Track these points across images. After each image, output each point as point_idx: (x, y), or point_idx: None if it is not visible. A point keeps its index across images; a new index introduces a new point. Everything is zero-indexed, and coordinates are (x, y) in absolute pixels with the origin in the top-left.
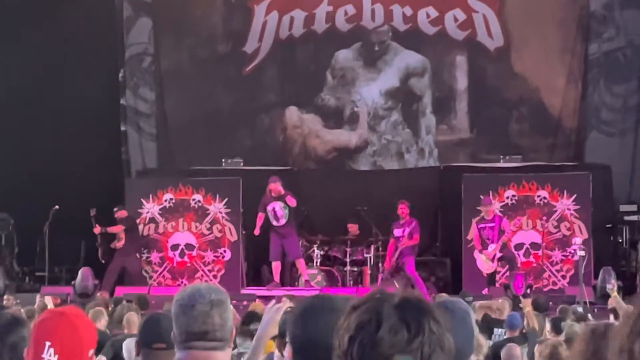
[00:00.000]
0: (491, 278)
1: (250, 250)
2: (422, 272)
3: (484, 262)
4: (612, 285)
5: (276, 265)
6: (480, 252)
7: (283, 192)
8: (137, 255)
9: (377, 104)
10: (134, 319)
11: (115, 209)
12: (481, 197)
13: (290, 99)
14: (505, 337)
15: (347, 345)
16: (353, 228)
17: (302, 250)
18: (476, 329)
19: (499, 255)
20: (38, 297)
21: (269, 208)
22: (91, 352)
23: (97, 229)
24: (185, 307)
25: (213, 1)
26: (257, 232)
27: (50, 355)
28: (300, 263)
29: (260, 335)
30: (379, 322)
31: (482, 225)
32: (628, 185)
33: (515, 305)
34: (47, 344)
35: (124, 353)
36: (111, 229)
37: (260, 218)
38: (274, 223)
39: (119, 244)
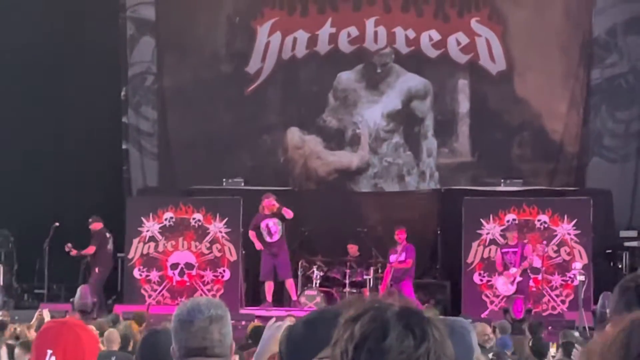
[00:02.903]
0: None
1: (250, 270)
2: (422, 295)
3: (504, 284)
4: None
5: (269, 285)
6: (501, 273)
7: (276, 207)
8: (108, 266)
9: (378, 126)
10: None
11: (90, 220)
12: (510, 220)
13: (292, 120)
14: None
15: (352, 355)
16: (353, 249)
17: (300, 272)
18: (477, 350)
19: (519, 279)
20: (37, 313)
21: (263, 225)
22: None
23: (73, 252)
24: (184, 323)
25: (216, 21)
26: (258, 246)
27: None
28: (290, 283)
29: (261, 352)
30: (385, 330)
31: (506, 250)
32: (629, 211)
33: (516, 329)
34: (49, 352)
35: None
36: (85, 252)
37: (252, 236)
38: (268, 239)
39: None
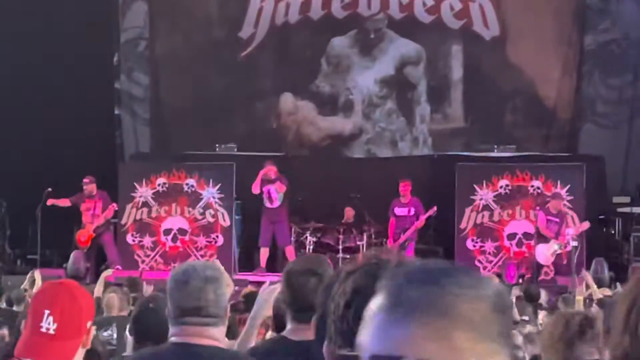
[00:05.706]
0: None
1: (243, 235)
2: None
3: (544, 254)
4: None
5: (264, 252)
6: (551, 239)
7: (274, 177)
8: None
9: (371, 92)
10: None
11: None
12: (555, 190)
13: (285, 86)
14: None
15: (342, 310)
16: (349, 212)
17: (292, 238)
18: None
19: (558, 252)
20: (29, 274)
21: (265, 189)
22: (89, 323)
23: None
24: (179, 283)
25: None
26: (256, 188)
27: (49, 324)
28: (290, 250)
29: (254, 316)
30: (376, 286)
31: (550, 218)
32: (621, 177)
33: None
34: (46, 312)
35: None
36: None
37: (256, 183)
38: (268, 205)
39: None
